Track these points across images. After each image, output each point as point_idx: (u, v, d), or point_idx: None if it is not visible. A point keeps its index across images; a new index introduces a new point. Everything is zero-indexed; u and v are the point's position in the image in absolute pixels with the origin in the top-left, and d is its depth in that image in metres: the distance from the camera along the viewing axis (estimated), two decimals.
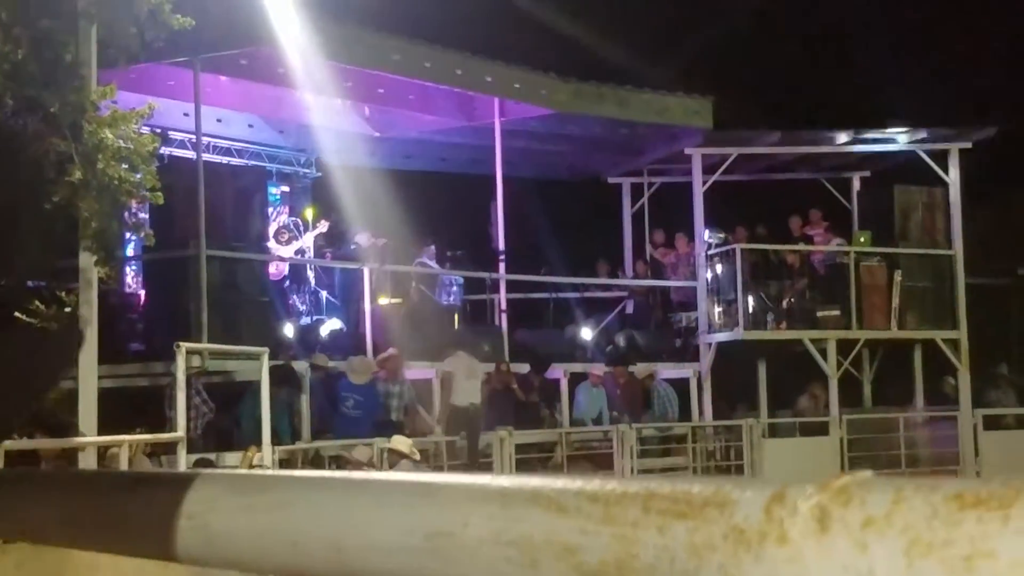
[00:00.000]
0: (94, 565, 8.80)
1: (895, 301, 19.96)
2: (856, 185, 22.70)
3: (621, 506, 0.99)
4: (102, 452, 11.98)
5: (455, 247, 20.37)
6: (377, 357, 16.72)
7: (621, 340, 20.48)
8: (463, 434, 16.54)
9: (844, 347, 19.68)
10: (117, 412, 12.71)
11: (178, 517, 1.56)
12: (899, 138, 20.81)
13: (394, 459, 14.15)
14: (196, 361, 14.34)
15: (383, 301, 18.31)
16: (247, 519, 1.47)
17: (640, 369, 19.44)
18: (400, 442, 14.31)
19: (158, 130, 13.81)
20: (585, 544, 1.01)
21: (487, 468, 16.33)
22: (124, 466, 11.61)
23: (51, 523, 1.82)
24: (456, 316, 19.36)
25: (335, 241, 19.32)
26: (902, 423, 19.66)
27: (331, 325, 18.22)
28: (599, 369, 18.98)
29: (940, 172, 20.67)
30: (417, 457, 14.53)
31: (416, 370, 17.19)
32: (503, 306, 19.51)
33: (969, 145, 20.57)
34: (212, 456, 14.10)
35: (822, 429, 19.44)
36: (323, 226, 19.28)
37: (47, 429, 11.67)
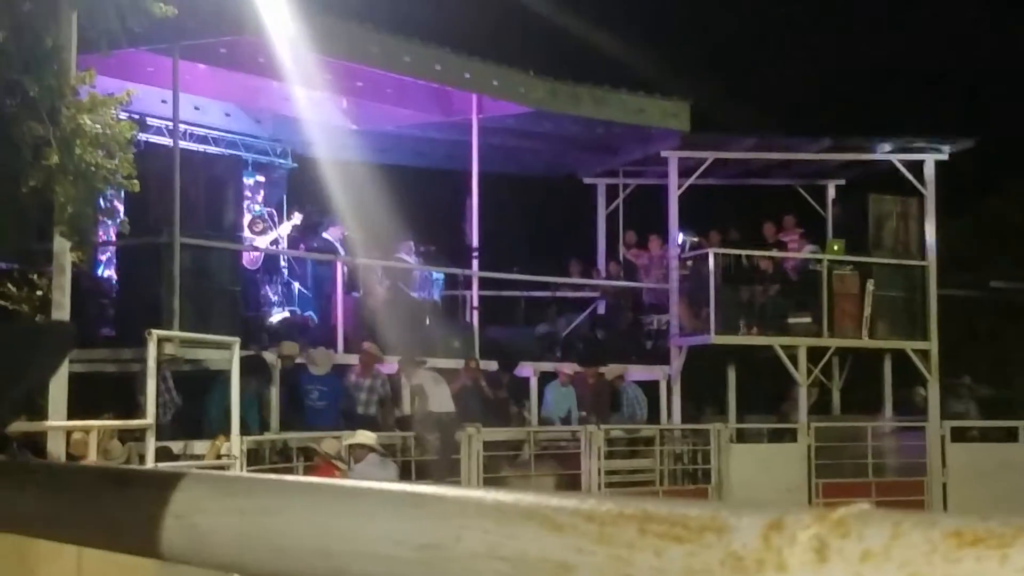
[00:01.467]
0: (58, 549, 8.77)
1: (867, 310, 20.00)
2: (831, 193, 22.75)
3: (617, 526, 1.00)
4: (68, 436, 11.96)
5: (429, 242, 20.37)
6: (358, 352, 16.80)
7: (592, 340, 20.50)
8: (437, 435, 16.53)
9: (814, 354, 19.73)
10: (85, 397, 12.68)
11: (165, 516, 1.56)
12: (875, 147, 20.87)
13: (360, 453, 14.12)
14: (170, 349, 14.32)
15: (356, 294, 18.31)
16: (234, 521, 1.48)
17: (610, 370, 19.45)
18: (364, 436, 14.30)
19: (136, 116, 13.78)
20: (580, 563, 1.01)
21: (456, 466, 16.35)
22: (93, 451, 11.60)
23: (31, 518, 1.82)
24: (429, 312, 19.34)
25: (309, 233, 19.29)
26: (870, 432, 19.72)
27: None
28: (569, 368, 19.00)
29: (915, 182, 20.69)
30: (382, 451, 14.53)
31: (390, 364, 17.19)
32: (475, 303, 19.52)
33: (945, 156, 20.62)
34: (180, 444, 14.08)
35: (790, 435, 19.51)
36: (297, 218, 19.25)
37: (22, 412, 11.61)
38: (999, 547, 0.77)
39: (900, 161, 20.73)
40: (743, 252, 20.57)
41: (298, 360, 16.31)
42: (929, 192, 20.67)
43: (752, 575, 0.89)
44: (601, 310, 21.89)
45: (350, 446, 14.24)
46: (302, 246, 19.08)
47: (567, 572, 1.03)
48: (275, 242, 19.12)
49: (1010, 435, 20.21)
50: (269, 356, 15.96)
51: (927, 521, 0.82)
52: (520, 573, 1.07)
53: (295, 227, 19.28)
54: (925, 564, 0.80)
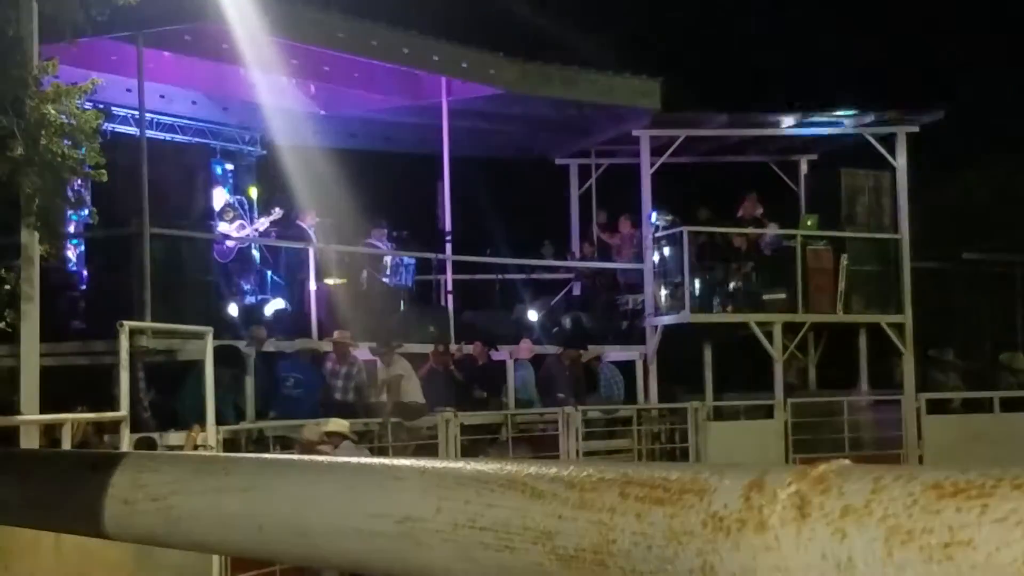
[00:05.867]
0: (36, 541, 8.73)
1: (841, 285, 20.00)
2: (803, 168, 22.77)
3: (598, 491, 0.99)
4: (43, 430, 11.89)
5: (401, 227, 20.32)
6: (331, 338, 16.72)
7: (568, 322, 20.49)
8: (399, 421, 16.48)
9: (790, 330, 19.76)
10: (57, 391, 12.62)
11: (142, 499, 1.55)
12: (846, 121, 20.82)
13: (336, 440, 14.07)
14: (143, 340, 14.23)
15: (329, 281, 18.23)
16: (212, 502, 1.46)
17: (586, 351, 19.45)
18: (337, 423, 14.24)
19: (101, 106, 13.68)
20: (562, 529, 1.01)
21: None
22: (68, 444, 11.54)
23: (12, 504, 1.80)
24: (403, 298, 19.29)
25: (280, 220, 19.19)
26: (846, 407, 19.76)
27: (275, 305, 18.15)
28: (526, 347, 18.90)
29: (887, 156, 20.69)
30: (355, 438, 14.48)
31: (363, 351, 17.12)
32: (449, 287, 19.48)
33: (916, 129, 20.59)
34: (156, 435, 14.01)
35: (767, 412, 19.54)
36: (277, 213, 18.97)
37: None
38: (979, 497, 0.77)
39: (872, 135, 20.72)
40: (717, 230, 20.60)
41: (273, 348, 16.27)
42: (901, 165, 20.66)
43: (733, 535, 0.88)
44: (577, 291, 21.89)
45: (326, 433, 14.20)
46: (273, 234, 18.97)
47: (549, 539, 1.02)
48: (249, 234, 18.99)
49: (987, 406, 20.30)
50: (244, 346, 15.88)
51: (907, 475, 0.82)
52: (502, 542, 1.07)
53: (273, 222, 19.03)
54: (906, 516, 0.80)
